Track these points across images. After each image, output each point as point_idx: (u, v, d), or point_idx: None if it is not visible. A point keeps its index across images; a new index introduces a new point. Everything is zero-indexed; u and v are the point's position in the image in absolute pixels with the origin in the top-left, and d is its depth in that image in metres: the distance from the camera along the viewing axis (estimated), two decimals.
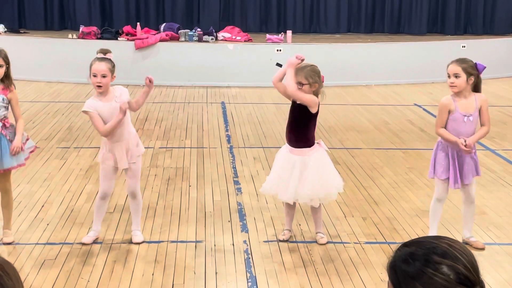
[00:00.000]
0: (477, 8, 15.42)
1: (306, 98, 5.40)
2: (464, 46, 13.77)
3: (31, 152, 5.72)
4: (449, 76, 5.31)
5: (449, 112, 5.36)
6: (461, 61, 5.31)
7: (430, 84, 13.29)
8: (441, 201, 5.52)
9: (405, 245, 1.83)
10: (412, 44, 13.89)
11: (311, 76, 5.42)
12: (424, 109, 11.11)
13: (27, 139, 5.67)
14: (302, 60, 5.42)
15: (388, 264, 1.84)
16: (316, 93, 5.51)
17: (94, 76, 5.34)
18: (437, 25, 15.48)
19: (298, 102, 5.47)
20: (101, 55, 5.42)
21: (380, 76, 13.32)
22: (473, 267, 1.75)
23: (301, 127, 5.47)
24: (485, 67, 5.32)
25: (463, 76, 5.26)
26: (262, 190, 5.74)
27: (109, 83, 5.40)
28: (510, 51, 14.34)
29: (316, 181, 5.43)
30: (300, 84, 5.42)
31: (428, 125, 9.97)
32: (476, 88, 5.38)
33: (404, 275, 1.78)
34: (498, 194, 6.92)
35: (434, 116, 10.60)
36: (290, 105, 5.60)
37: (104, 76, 5.33)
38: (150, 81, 5.49)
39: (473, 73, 5.28)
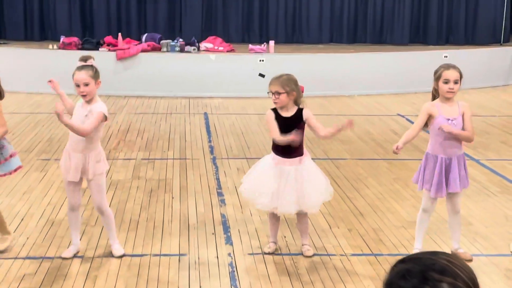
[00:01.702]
0: (458, 18, 15.48)
1: (314, 121, 5.39)
2: (446, 56, 13.78)
3: (14, 171, 5.57)
4: (446, 82, 5.25)
5: (431, 116, 5.31)
6: (456, 67, 5.30)
7: (413, 94, 13.28)
8: (428, 212, 5.46)
9: (402, 261, 1.75)
10: (395, 54, 13.90)
11: (287, 85, 5.35)
12: (408, 119, 11.08)
13: (12, 155, 5.52)
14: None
15: (384, 282, 1.75)
16: (296, 103, 5.43)
17: (77, 86, 5.23)
18: (419, 35, 15.52)
19: (289, 116, 5.38)
20: (82, 63, 5.32)
21: (363, 86, 13.29)
22: (474, 284, 1.67)
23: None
24: None
25: (459, 82, 5.26)
26: (260, 207, 5.58)
27: (94, 90, 5.26)
28: (492, 61, 14.39)
29: (314, 188, 5.37)
30: (277, 93, 5.34)
31: None
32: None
33: None
34: (483, 204, 6.88)
35: None
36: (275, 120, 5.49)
37: (86, 84, 5.22)
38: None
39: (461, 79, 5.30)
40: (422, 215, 5.48)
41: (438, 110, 5.30)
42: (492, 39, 15.51)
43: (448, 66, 5.31)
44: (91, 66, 5.34)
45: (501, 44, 15.33)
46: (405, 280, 1.68)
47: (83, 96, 5.25)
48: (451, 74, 5.25)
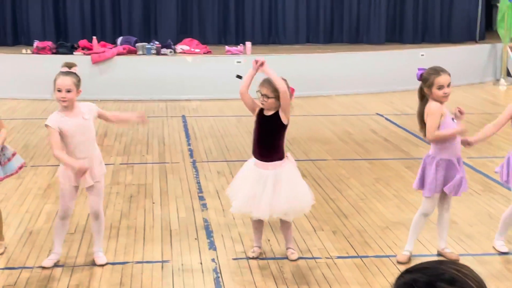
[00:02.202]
0: (434, 17, 15.49)
1: (280, 84, 5.24)
2: (423, 55, 13.80)
3: (19, 168, 5.57)
4: (440, 88, 5.20)
5: (442, 116, 5.29)
6: (445, 70, 5.26)
7: (391, 93, 13.26)
8: (427, 216, 5.45)
9: (408, 271, 1.67)
10: (372, 53, 13.87)
11: (278, 90, 5.27)
12: (387, 119, 11.05)
13: (14, 154, 5.55)
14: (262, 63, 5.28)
15: None
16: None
17: (59, 91, 5.11)
18: (395, 34, 15.51)
19: (269, 115, 5.30)
20: (66, 69, 5.20)
21: (341, 86, 13.25)
22: None
23: (273, 140, 5.31)
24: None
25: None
26: (234, 211, 5.49)
27: (75, 98, 5.17)
28: (468, 59, 14.42)
29: (290, 194, 5.26)
30: (266, 97, 5.26)
31: (392, 134, 9.90)
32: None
33: None
34: (466, 203, 6.84)
35: (397, 125, 10.58)
36: (255, 118, 5.41)
37: (68, 91, 5.11)
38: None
39: None
40: (420, 219, 5.42)
41: (445, 110, 5.29)
42: (468, 36, 15.54)
43: (437, 72, 5.24)
44: (75, 73, 5.22)
45: (476, 42, 15.38)
46: None
47: (63, 101, 5.13)
48: (444, 80, 5.20)
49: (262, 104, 5.31)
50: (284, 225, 5.50)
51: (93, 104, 5.34)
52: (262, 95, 5.28)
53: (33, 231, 6.08)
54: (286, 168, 5.32)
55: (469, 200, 6.94)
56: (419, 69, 5.33)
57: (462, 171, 5.37)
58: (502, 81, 14.43)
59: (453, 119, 5.30)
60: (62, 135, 5.14)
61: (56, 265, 5.35)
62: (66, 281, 5.09)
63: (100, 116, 5.37)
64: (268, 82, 5.28)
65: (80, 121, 5.17)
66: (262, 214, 5.29)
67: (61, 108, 5.19)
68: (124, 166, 8.21)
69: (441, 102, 5.25)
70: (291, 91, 5.35)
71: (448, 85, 5.21)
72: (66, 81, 5.11)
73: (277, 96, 5.24)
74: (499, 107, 12.45)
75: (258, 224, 5.54)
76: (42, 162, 8.27)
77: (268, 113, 5.33)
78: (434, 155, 5.31)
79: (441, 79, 5.18)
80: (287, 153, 5.48)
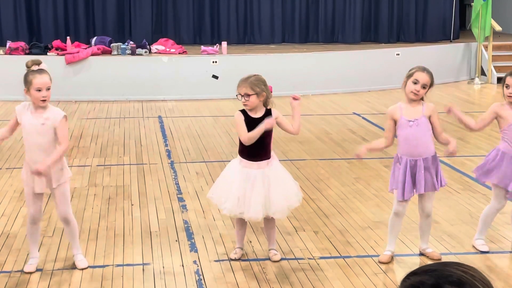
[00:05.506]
0: (409, 16, 15.57)
1: (284, 119, 5.30)
2: (399, 54, 13.85)
3: None
4: (415, 83, 5.18)
5: (395, 120, 5.27)
6: (429, 72, 5.21)
7: (367, 92, 13.29)
8: (399, 215, 5.38)
9: (414, 273, 1.63)
10: (347, 53, 13.89)
11: (256, 86, 5.23)
12: (364, 118, 11.05)
13: None
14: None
15: None
16: (265, 103, 5.32)
17: (39, 90, 4.98)
18: (371, 33, 15.56)
19: (259, 117, 5.24)
20: (36, 67, 5.08)
21: (317, 86, 13.24)
22: None
23: (263, 140, 5.25)
24: None
25: (428, 88, 5.19)
26: (226, 213, 5.37)
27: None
28: (443, 58, 14.49)
29: (281, 193, 5.22)
30: (246, 95, 5.21)
31: (369, 133, 9.90)
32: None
33: None
34: (447, 202, 6.85)
35: (374, 124, 10.58)
36: (238, 118, 5.33)
37: (48, 89, 5.02)
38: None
39: (433, 83, 5.23)
40: (393, 219, 5.39)
41: (401, 112, 5.24)
42: (442, 36, 15.63)
43: (423, 69, 5.24)
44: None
45: (451, 41, 15.47)
46: None
47: (43, 101, 5.01)
48: (420, 77, 5.16)
49: (245, 105, 5.25)
50: (269, 224, 5.44)
51: (62, 113, 5.10)
52: (242, 95, 5.22)
53: (10, 235, 5.96)
54: (273, 167, 5.28)
55: (449, 199, 6.94)
56: None
57: (420, 173, 5.27)
58: (477, 80, 14.53)
59: (410, 120, 5.23)
60: (22, 127, 5.07)
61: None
62: (45, 286, 4.99)
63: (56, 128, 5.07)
64: (244, 81, 5.23)
65: (39, 123, 5.04)
66: (254, 215, 5.21)
67: (35, 106, 5.06)
68: (101, 167, 8.10)
69: (410, 99, 5.25)
70: (269, 88, 5.32)
71: (424, 87, 5.19)
72: (46, 79, 5.01)
73: (257, 92, 5.20)
74: (474, 106, 12.54)
75: (242, 225, 5.47)
76: (17, 164, 8.13)
77: (255, 115, 5.27)
78: (397, 153, 5.33)
79: (419, 75, 5.19)
80: (271, 151, 5.43)
